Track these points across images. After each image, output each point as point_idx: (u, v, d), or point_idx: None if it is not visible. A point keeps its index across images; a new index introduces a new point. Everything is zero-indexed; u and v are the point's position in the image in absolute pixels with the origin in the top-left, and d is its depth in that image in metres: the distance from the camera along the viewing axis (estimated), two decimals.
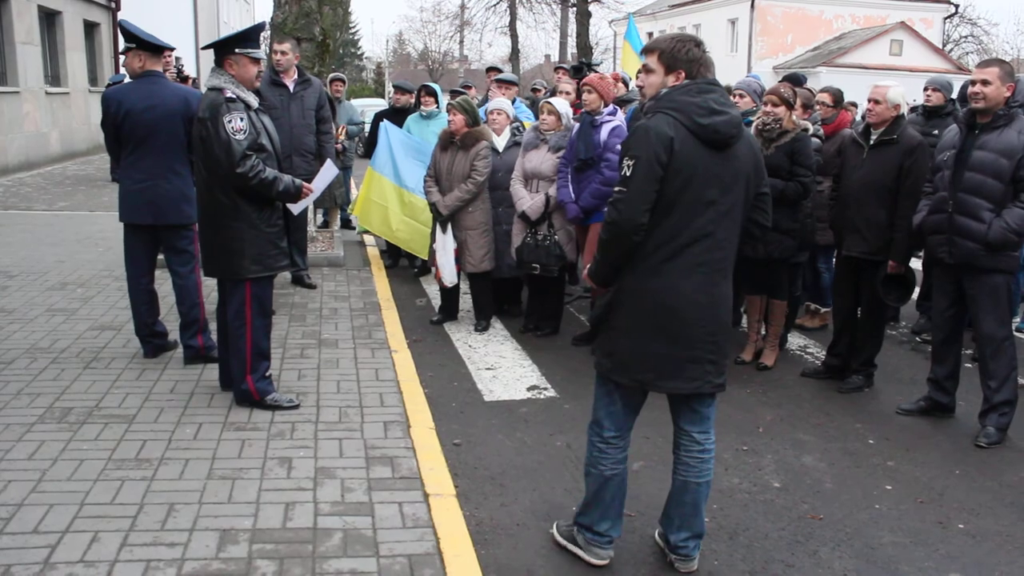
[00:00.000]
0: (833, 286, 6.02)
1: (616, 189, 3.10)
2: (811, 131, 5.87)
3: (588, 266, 3.38)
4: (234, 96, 4.45)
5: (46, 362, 5.34)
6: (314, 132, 7.35)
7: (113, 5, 22.12)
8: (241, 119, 4.41)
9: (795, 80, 7.34)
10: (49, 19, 18.77)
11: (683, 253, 3.09)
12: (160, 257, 5.43)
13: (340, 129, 9.70)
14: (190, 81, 8.09)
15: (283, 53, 7.26)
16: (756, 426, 4.92)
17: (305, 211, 6.86)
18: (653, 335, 3.14)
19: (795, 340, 6.63)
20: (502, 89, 8.18)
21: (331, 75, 9.92)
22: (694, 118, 3.02)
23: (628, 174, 3.05)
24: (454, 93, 8.58)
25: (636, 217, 3.03)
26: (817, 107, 6.53)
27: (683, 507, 3.37)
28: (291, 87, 7.26)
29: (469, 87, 10.49)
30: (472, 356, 5.95)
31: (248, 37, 4.59)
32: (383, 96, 40.86)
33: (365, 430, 4.44)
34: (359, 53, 68.87)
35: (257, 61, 4.60)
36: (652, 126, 3.03)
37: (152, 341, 5.44)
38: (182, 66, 8.52)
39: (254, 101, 4.58)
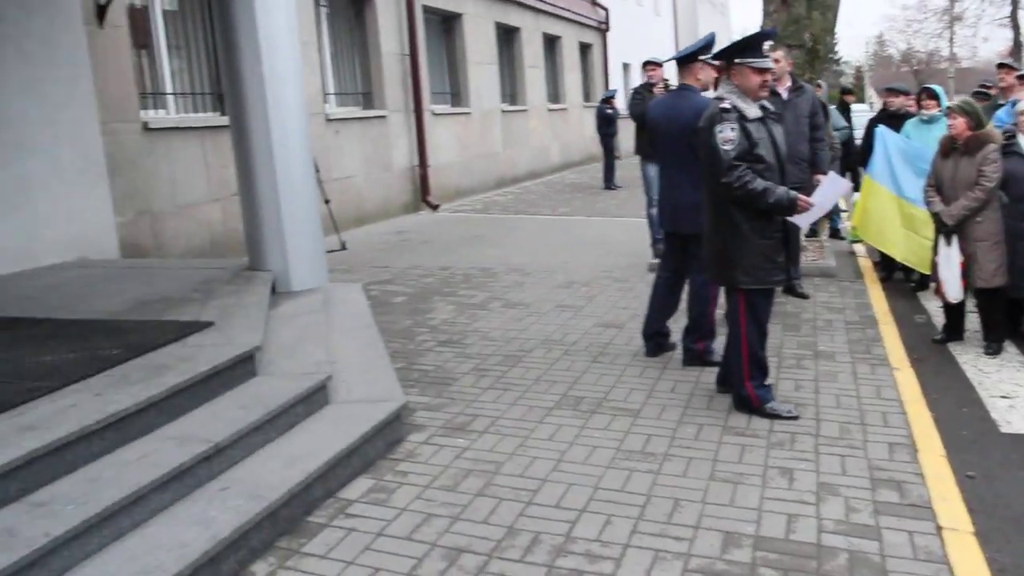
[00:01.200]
0: None
1: None
2: None
3: None
4: (730, 106, 4.47)
5: (559, 353, 5.83)
6: (807, 139, 7.22)
7: (604, 27, 23.65)
8: (732, 129, 4.41)
9: None
10: (551, 44, 20.60)
11: None
12: None
13: None
14: None
15: (776, 61, 7.21)
16: None
17: None
18: None
19: None
20: None
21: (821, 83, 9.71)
22: None
23: None
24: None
25: None
26: None
27: None
28: (784, 95, 7.19)
29: (988, 86, 9.52)
30: (983, 381, 5.42)
31: (748, 46, 4.57)
32: (863, 100, 39.04)
33: (868, 449, 4.24)
34: (836, 58, 66.43)
35: (762, 71, 4.55)
36: None
37: (655, 339, 5.70)
38: (668, 80, 8.84)
39: (752, 112, 4.52)
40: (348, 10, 12.67)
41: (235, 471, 3.67)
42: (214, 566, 3.07)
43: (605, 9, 24.12)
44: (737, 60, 4.54)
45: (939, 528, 3.51)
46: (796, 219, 4.78)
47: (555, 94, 20.96)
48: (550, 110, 20.06)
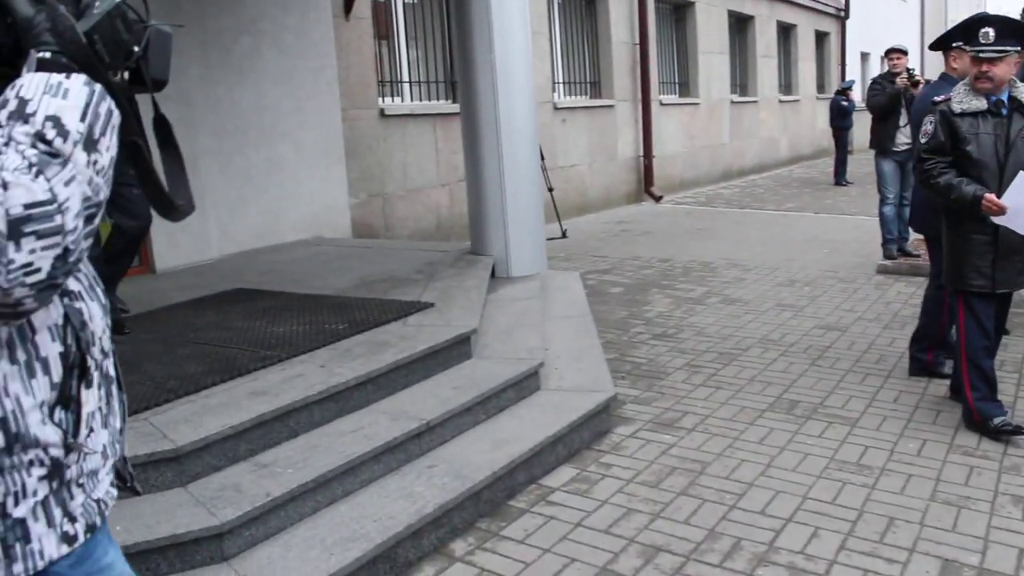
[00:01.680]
0: None
1: None
2: None
3: None
4: (940, 99, 4.28)
5: (776, 354, 5.63)
6: None
7: (843, 14, 22.51)
8: (930, 123, 4.25)
9: None
10: (785, 33, 19.85)
11: None
12: None
13: None
14: (919, 86, 7.87)
15: None
16: None
17: None
18: None
19: None
20: None
21: None
22: None
23: None
24: None
25: None
26: None
27: None
28: None
29: None
30: None
31: (960, 32, 4.31)
32: None
33: None
34: None
35: (976, 60, 4.14)
36: None
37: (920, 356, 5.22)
38: (912, 70, 8.26)
39: (967, 105, 4.17)
40: (580, 0, 12.74)
41: (443, 449, 3.79)
42: (416, 540, 3.18)
43: None
44: (953, 45, 4.38)
45: None
46: (1008, 223, 4.22)
47: (787, 85, 20.22)
48: (781, 101, 19.36)
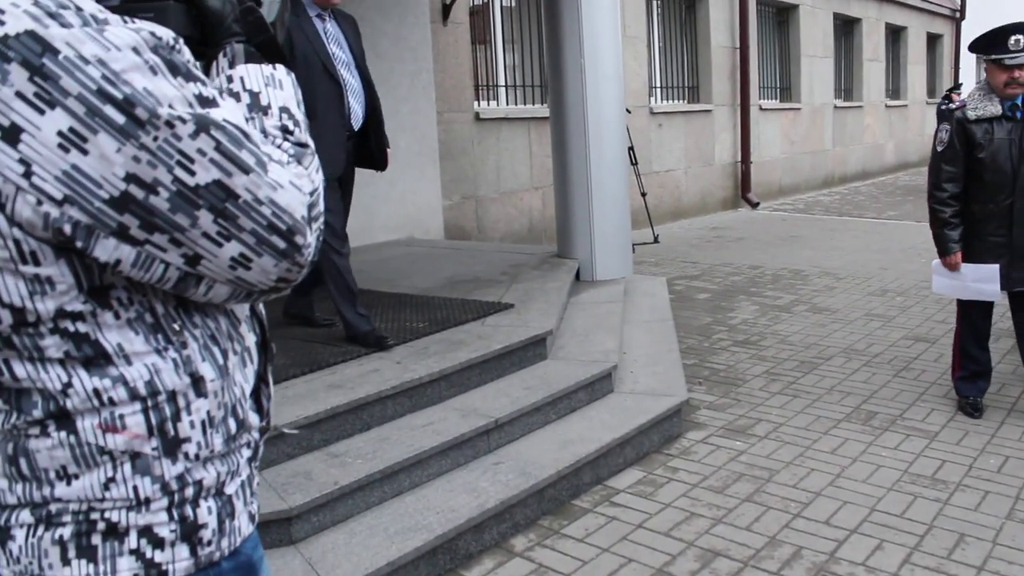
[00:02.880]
0: None
1: None
2: None
3: None
4: (953, 106, 4.43)
5: (859, 364, 5.55)
6: None
7: (958, 15, 21.72)
8: (945, 131, 4.40)
9: None
10: (894, 35, 19.30)
11: None
12: None
13: None
14: None
15: None
16: None
17: None
18: None
19: None
20: None
21: None
22: None
23: None
24: None
25: None
26: None
27: None
28: None
29: None
30: None
31: (990, 41, 4.33)
32: None
33: None
34: None
35: (1006, 68, 4.25)
36: None
37: None
38: None
39: (982, 110, 4.31)
40: (680, 3, 12.68)
41: (511, 447, 3.88)
42: (477, 533, 3.28)
43: None
44: (980, 55, 4.37)
45: None
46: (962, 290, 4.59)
47: (895, 89, 19.64)
48: (888, 106, 18.82)
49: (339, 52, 4.28)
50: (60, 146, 0.94)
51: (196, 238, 1.02)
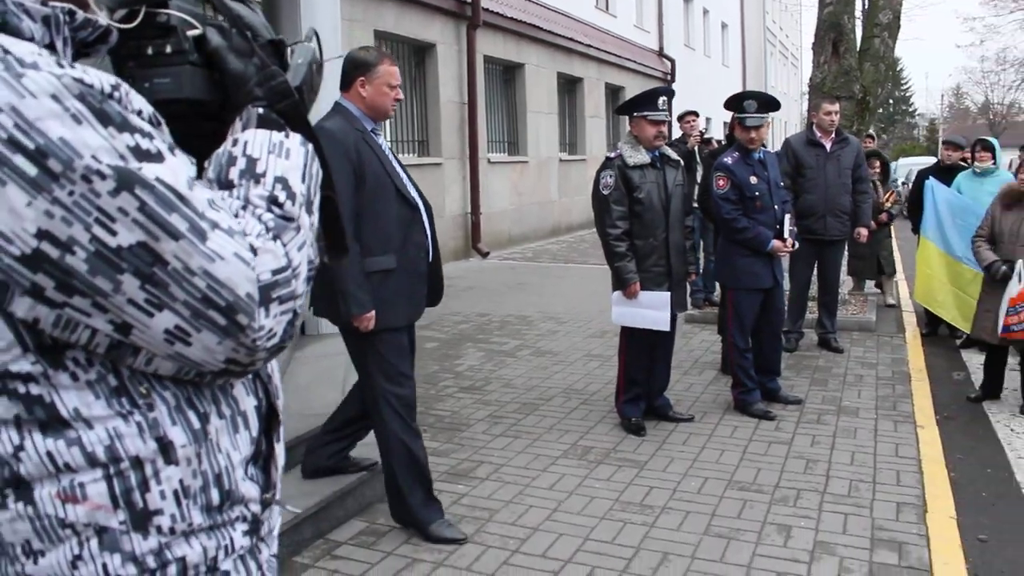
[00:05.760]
0: None
1: None
2: None
3: None
4: (613, 155, 5.09)
5: (578, 402, 5.81)
6: (850, 192, 7.14)
7: (669, 78, 23.68)
8: (610, 176, 5.00)
9: None
10: (614, 94, 20.69)
11: None
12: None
13: (888, 195, 9.27)
14: (711, 144, 8.84)
15: (836, 113, 7.21)
16: None
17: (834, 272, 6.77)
18: None
19: None
20: None
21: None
22: None
23: None
24: None
25: None
26: None
27: None
28: (828, 147, 7.13)
29: None
30: (1014, 442, 5.24)
31: (643, 101, 5.04)
32: (936, 154, 38.34)
33: (875, 508, 4.13)
34: (911, 110, 65.40)
35: (655, 123, 5.00)
36: None
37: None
38: (704, 131, 9.14)
39: (637, 159, 5.00)
40: (409, 59, 12.91)
41: None
42: None
43: (671, 60, 24.20)
44: (635, 113, 5.03)
45: None
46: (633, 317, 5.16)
47: (615, 143, 21.02)
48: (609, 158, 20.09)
49: (400, 170, 3.72)
50: None
51: (122, 304, 0.93)
